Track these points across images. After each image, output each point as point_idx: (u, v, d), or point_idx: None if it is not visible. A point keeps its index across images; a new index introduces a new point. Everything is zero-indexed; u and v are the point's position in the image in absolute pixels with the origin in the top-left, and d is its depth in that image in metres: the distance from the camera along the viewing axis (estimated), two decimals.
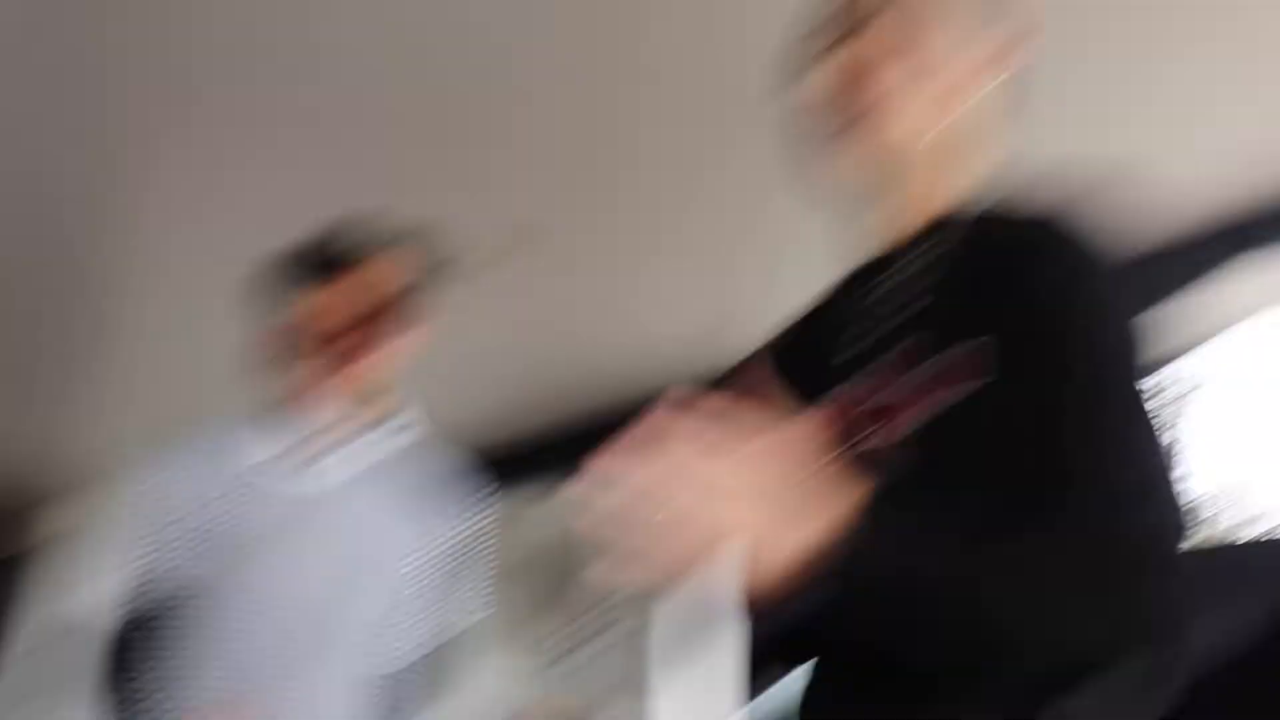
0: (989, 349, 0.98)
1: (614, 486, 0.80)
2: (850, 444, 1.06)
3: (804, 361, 1.18)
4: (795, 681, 1.09)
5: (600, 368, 3.76)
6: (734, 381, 1.23)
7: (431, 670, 1.85)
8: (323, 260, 1.82)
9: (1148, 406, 0.95)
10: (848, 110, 1.11)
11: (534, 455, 4.32)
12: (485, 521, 1.95)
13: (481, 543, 1.92)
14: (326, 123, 2.56)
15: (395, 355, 1.79)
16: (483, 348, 3.59)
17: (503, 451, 4.43)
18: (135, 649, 1.70)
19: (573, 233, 3.00)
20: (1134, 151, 2.22)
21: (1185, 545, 0.88)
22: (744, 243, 3.04)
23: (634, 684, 0.83)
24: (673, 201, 2.87)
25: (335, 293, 1.79)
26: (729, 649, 0.82)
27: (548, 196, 2.86)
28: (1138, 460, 0.91)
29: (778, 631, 0.88)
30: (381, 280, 1.81)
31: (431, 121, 2.59)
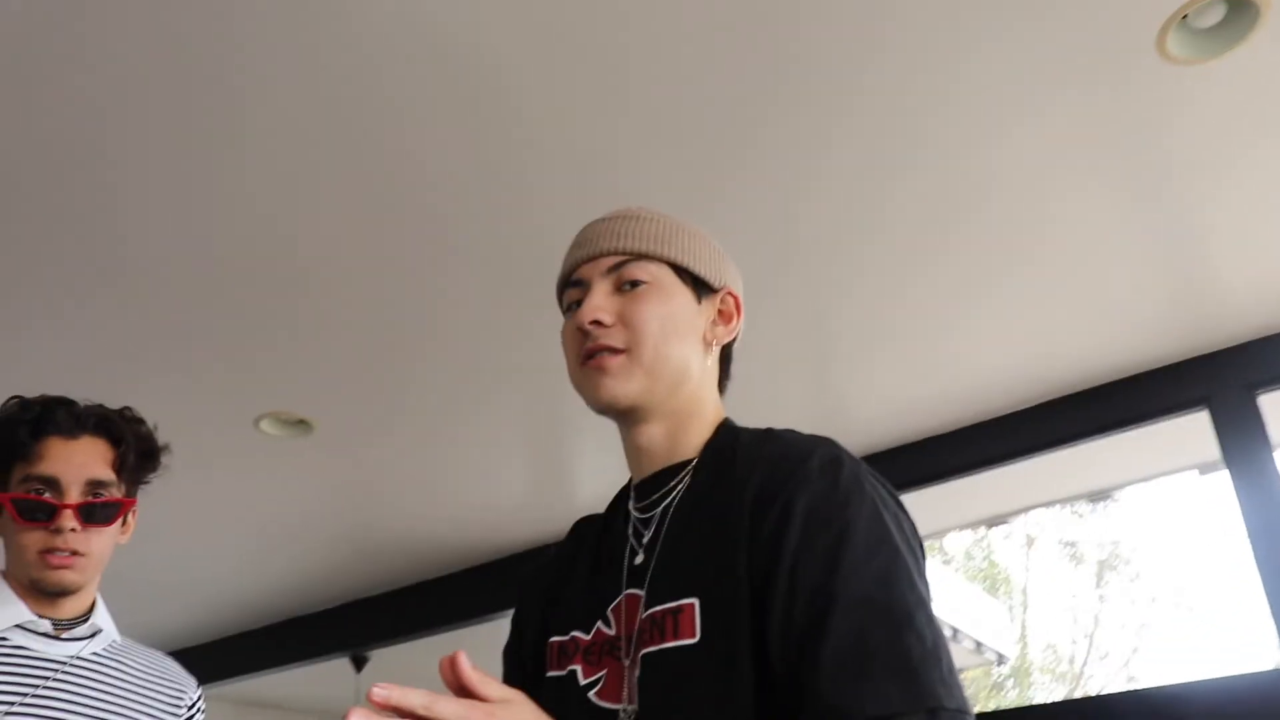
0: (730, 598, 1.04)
1: None
2: (590, 688, 1.12)
3: (554, 607, 1.24)
4: None
5: (420, 536, 4.00)
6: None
7: None
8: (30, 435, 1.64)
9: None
10: (586, 353, 1.18)
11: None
12: None
13: None
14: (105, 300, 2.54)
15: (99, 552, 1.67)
16: (266, 528, 3.81)
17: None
18: None
19: (402, 402, 3.11)
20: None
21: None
22: (554, 420, 3.25)
23: None
24: (484, 377, 2.99)
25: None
26: None
27: (380, 369, 2.93)
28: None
29: None
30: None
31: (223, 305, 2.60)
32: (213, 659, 5.29)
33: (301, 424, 3.16)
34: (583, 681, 1.13)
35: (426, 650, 4.70)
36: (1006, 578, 14.39)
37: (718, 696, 1.02)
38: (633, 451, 1.24)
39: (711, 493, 1.15)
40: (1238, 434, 2.87)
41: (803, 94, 2.05)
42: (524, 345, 2.76)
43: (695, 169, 2.22)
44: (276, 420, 3.13)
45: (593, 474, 3.47)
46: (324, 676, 5.36)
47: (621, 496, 1.29)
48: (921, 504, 3.56)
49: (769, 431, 1.20)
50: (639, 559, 1.17)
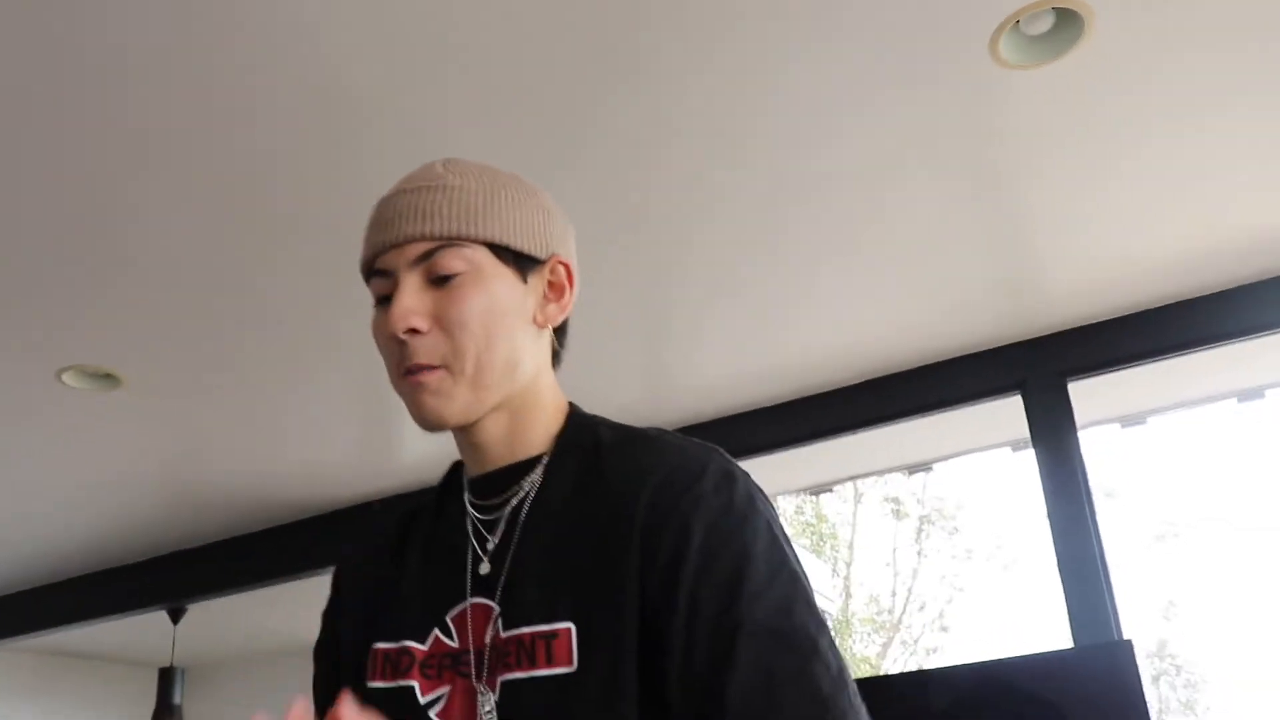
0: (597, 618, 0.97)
1: None
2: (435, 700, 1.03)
3: (377, 612, 1.12)
4: None
5: (240, 490, 3.91)
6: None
7: None
8: None
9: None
10: (404, 367, 1.05)
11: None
12: None
13: None
14: None
15: None
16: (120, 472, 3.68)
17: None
18: None
19: (217, 357, 3.01)
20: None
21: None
22: (379, 377, 3.10)
23: None
24: (306, 334, 2.90)
25: None
26: None
27: (192, 323, 2.81)
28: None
29: None
30: None
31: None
32: (17, 610, 5.06)
33: (108, 377, 2.99)
34: (422, 699, 1.03)
35: (246, 604, 4.59)
36: (834, 533, 14.90)
37: None
38: (468, 449, 1.12)
39: (577, 500, 1.05)
40: (1047, 418, 3.00)
41: (644, 74, 2.02)
42: (348, 305, 2.67)
43: (532, 143, 2.17)
44: (81, 373, 2.96)
45: (419, 431, 3.35)
46: (140, 627, 5.18)
47: (453, 485, 1.16)
48: (748, 470, 3.65)
49: (641, 435, 1.10)
50: (485, 567, 1.06)
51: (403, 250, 1.05)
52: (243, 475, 3.83)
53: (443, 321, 1.04)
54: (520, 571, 1.04)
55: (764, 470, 3.76)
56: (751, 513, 1.00)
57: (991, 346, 3.12)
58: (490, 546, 1.08)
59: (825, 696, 0.91)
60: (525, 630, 0.99)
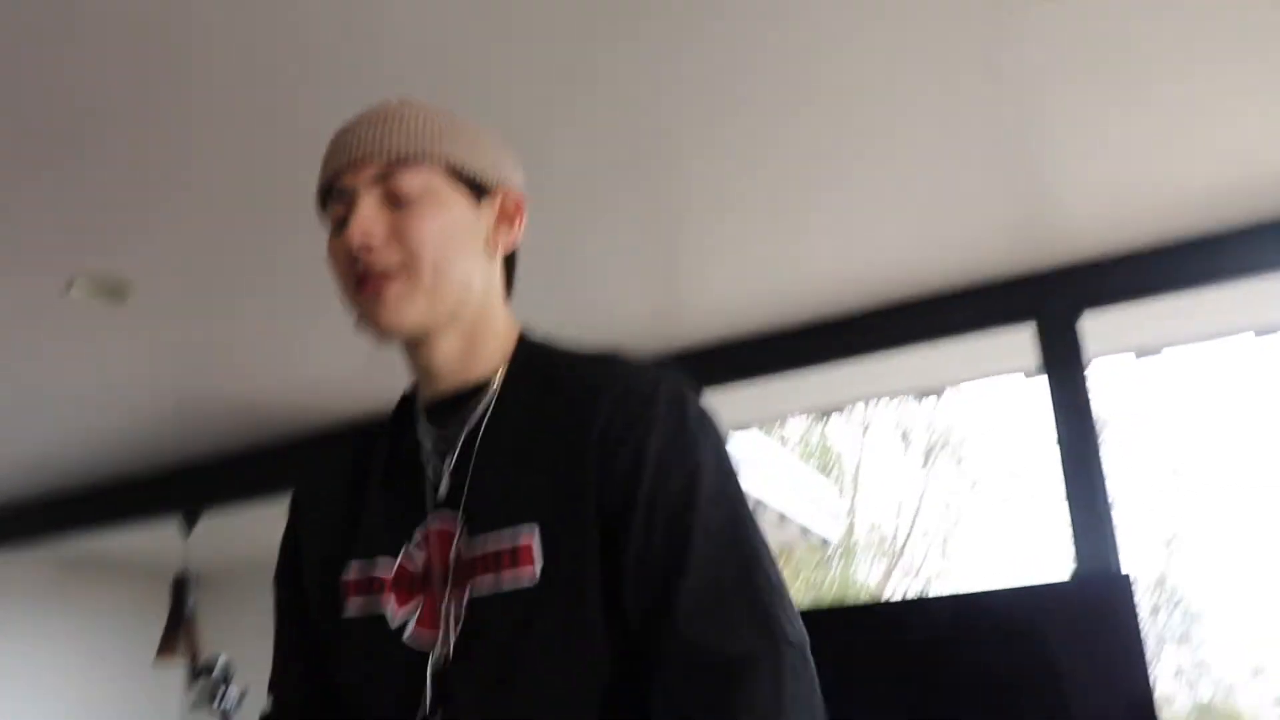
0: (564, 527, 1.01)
1: None
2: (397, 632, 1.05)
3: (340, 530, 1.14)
4: None
5: (250, 402, 3.91)
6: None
7: None
8: None
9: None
10: (359, 277, 1.08)
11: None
12: None
13: None
14: None
15: None
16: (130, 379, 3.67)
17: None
18: None
19: (227, 269, 2.98)
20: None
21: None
22: None
23: None
24: (314, 244, 2.80)
25: None
26: None
27: (202, 234, 2.79)
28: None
29: None
30: None
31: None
32: (33, 517, 5.13)
33: (118, 287, 2.98)
34: (393, 622, 1.06)
35: (257, 513, 4.64)
36: (840, 460, 14.97)
37: (561, 640, 0.99)
38: (421, 372, 1.15)
39: (532, 417, 1.09)
40: (1059, 350, 2.99)
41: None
42: None
43: (542, 61, 2.14)
44: (90, 280, 2.94)
45: None
46: (153, 535, 5.25)
47: (405, 412, 1.19)
48: (759, 392, 3.65)
49: (594, 355, 1.14)
50: (444, 485, 1.09)
51: (360, 170, 1.09)
52: (254, 388, 3.85)
53: (401, 237, 1.07)
54: (480, 487, 1.07)
55: (772, 391, 3.80)
56: (702, 433, 1.06)
57: (1006, 275, 3.09)
58: (449, 465, 1.10)
59: (765, 607, 0.98)
60: (490, 540, 1.03)
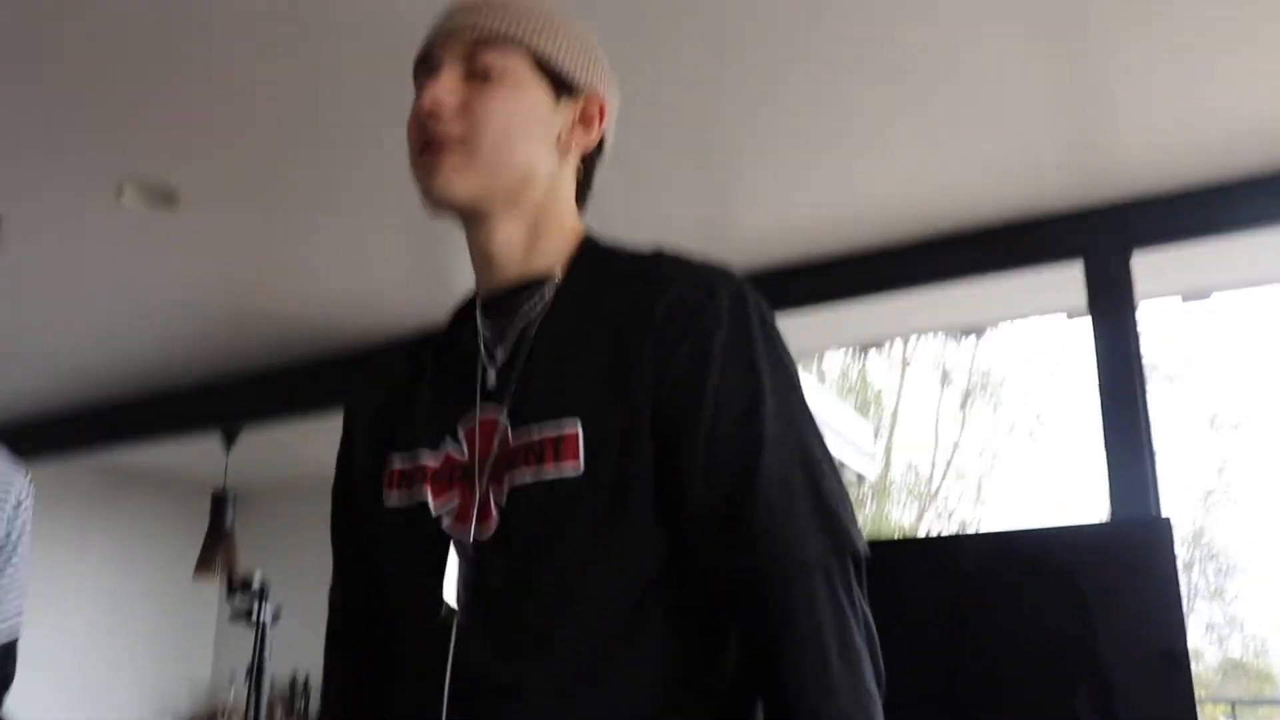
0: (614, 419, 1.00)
1: None
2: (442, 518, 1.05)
3: (397, 424, 1.14)
4: None
5: (295, 316, 3.88)
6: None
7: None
8: None
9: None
10: (423, 142, 1.09)
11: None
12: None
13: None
14: None
15: None
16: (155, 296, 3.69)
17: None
18: None
19: (276, 179, 2.96)
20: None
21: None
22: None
23: None
24: (362, 157, 2.84)
25: None
26: None
27: (252, 140, 2.76)
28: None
29: None
30: None
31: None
32: (74, 428, 5.21)
33: (167, 193, 2.98)
34: (434, 511, 1.06)
35: (298, 432, 4.69)
36: (878, 398, 14.93)
37: (605, 530, 0.98)
38: (482, 258, 1.14)
39: (589, 308, 1.08)
40: (1107, 290, 2.93)
41: None
42: (404, 127, 2.64)
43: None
44: (140, 187, 2.95)
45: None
46: (194, 450, 5.33)
47: (464, 313, 1.18)
48: (800, 323, 3.62)
49: (655, 251, 1.12)
50: (493, 378, 1.08)
51: (449, 42, 1.10)
52: (297, 303, 3.87)
53: (469, 111, 1.08)
54: (529, 380, 1.06)
55: (814, 323, 3.77)
56: (765, 334, 1.04)
57: (1056, 210, 3.03)
58: (500, 359, 1.10)
59: (834, 512, 0.98)
60: (535, 431, 1.02)
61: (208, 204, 3.08)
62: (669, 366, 1.00)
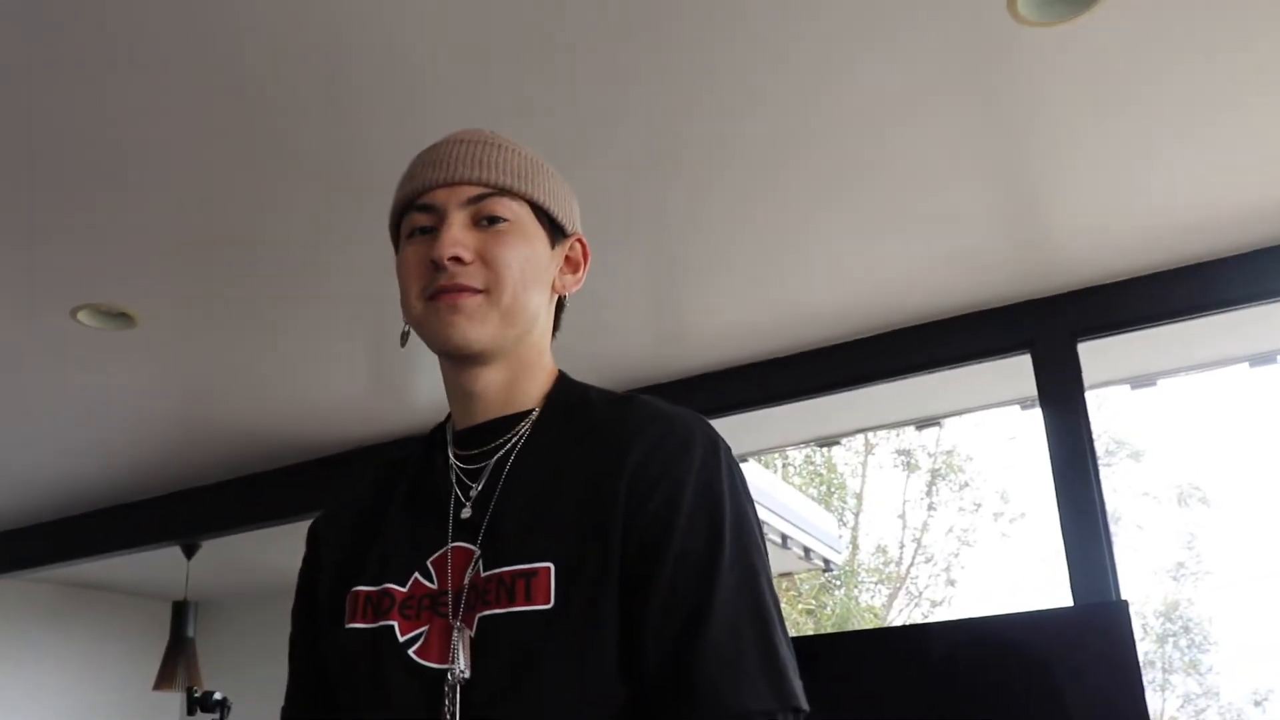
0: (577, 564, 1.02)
1: None
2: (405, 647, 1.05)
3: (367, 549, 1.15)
4: None
5: (253, 431, 3.92)
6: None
7: None
8: None
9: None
10: (437, 288, 1.10)
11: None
12: None
13: None
14: None
15: None
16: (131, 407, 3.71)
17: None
18: None
19: (232, 299, 3.01)
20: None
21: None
22: (390, 319, 3.06)
23: None
24: (317, 275, 2.89)
25: None
26: None
27: (208, 264, 2.82)
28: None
29: None
30: None
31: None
32: (35, 543, 5.14)
33: (123, 316, 3.01)
34: (401, 638, 1.06)
35: (258, 541, 4.66)
36: (843, 483, 14.96)
37: (572, 665, 0.99)
38: (461, 396, 1.16)
39: (564, 451, 1.10)
40: (1056, 378, 3.00)
41: (665, 26, 2.00)
42: (359, 246, 2.67)
43: (546, 90, 2.17)
44: (95, 312, 2.98)
45: (429, 372, 3.35)
46: (154, 562, 5.26)
47: (436, 441, 1.20)
48: (756, 421, 3.67)
49: (629, 397, 1.15)
50: (467, 512, 1.10)
51: (455, 190, 1.12)
52: (256, 415, 3.87)
53: (486, 258, 1.10)
54: (503, 516, 1.07)
55: (772, 421, 3.81)
56: (731, 485, 1.07)
57: (1002, 304, 3.11)
58: (474, 493, 1.11)
59: (781, 668, 1.00)
60: (506, 569, 1.03)
61: (163, 324, 3.10)
62: (639, 517, 1.03)
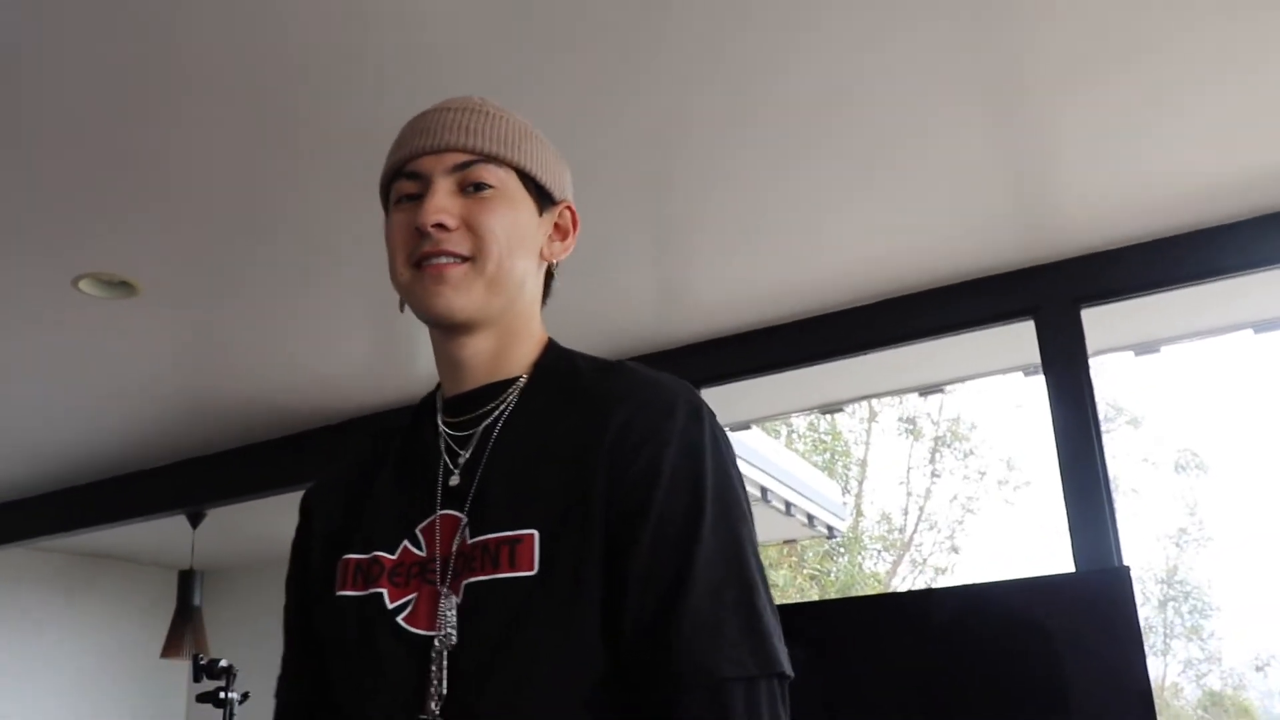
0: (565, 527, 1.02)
1: None
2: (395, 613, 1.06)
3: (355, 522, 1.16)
4: None
5: (256, 399, 3.93)
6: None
7: None
8: None
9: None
10: (421, 255, 1.10)
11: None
12: None
13: None
14: None
15: None
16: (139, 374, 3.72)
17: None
18: None
19: (234, 268, 3.01)
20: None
21: None
22: (392, 288, 3.07)
23: None
24: (322, 244, 2.89)
25: None
26: None
27: (210, 233, 2.81)
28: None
29: None
30: None
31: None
32: (42, 512, 5.17)
33: (124, 285, 3.01)
34: (390, 605, 1.07)
35: (262, 509, 4.68)
36: (847, 450, 14.98)
37: (557, 630, 1.00)
38: (450, 364, 1.17)
39: (550, 418, 1.10)
40: (1059, 345, 2.99)
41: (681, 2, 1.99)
42: (364, 217, 2.66)
43: (565, 63, 2.16)
44: (97, 281, 2.97)
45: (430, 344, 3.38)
46: (160, 530, 5.29)
47: (425, 409, 1.21)
48: (759, 388, 3.67)
49: (616, 364, 1.15)
50: (455, 480, 1.10)
51: (441, 157, 1.12)
52: (258, 384, 3.88)
53: (472, 225, 1.10)
54: (489, 484, 1.08)
55: (775, 388, 3.82)
56: (716, 450, 1.07)
57: (1005, 270, 3.10)
58: (462, 460, 1.12)
59: (763, 633, 1.00)
60: (492, 536, 1.04)
61: (165, 292, 3.10)
62: (621, 482, 1.03)
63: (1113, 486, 2.91)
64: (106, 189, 2.57)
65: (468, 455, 1.12)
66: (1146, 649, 2.50)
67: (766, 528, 6.39)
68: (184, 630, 5.24)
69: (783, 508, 5.96)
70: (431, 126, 1.14)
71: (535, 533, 1.02)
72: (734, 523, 1.05)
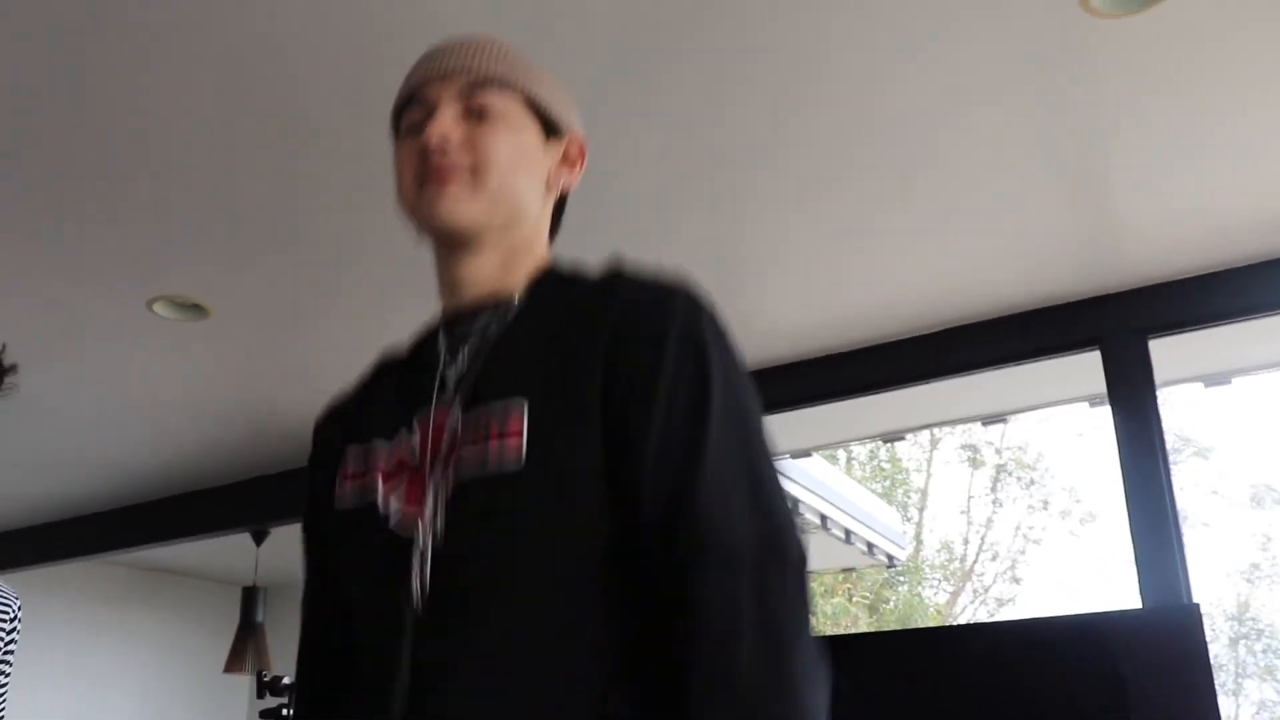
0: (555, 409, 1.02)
1: None
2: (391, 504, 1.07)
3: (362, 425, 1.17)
4: None
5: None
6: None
7: None
8: None
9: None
10: (426, 174, 1.12)
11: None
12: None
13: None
14: None
15: None
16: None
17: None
18: None
19: (305, 294, 3.05)
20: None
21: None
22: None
23: None
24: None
25: None
26: None
27: (281, 260, 2.86)
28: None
29: None
30: None
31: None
32: (111, 527, 5.28)
33: (197, 308, 3.08)
34: (382, 503, 1.08)
35: None
36: (907, 478, 14.82)
37: (548, 527, 1.00)
38: (450, 282, 1.18)
39: (550, 318, 1.11)
40: (1125, 376, 2.95)
41: (718, 17, 2.00)
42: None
43: (606, 83, 2.18)
44: (171, 303, 3.05)
45: None
46: (225, 547, 5.37)
47: (428, 334, 1.22)
48: (822, 415, 3.65)
49: (618, 267, 1.15)
50: (453, 372, 1.12)
51: (446, 82, 1.15)
52: (322, 405, 3.93)
53: (475, 145, 1.12)
54: (485, 379, 1.09)
55: (837, 415, 3.79)
56: (718, 339, 1.07)
57: (1071, 300, 3.06)
58: (461, 357, 1.13)
59: (770, 508, 1.00)
60: (479, 415, 1.05)
61: (236, 315, 3.17)
62: (622, 364, 1.03)
63: (1181, 520, 2.85)
64: (180, 214, 2.63)
65: (466, 353, 1.13)
66: (1217, 688, 2.44)
67: (825, 555, 6.34)
68: (247, 646, 5.31)
69: (842, 535, 5.91)
70: (439, 56, 1.17)
71: (522, 407, 1.02)
72: (741, 407, 1.05)
